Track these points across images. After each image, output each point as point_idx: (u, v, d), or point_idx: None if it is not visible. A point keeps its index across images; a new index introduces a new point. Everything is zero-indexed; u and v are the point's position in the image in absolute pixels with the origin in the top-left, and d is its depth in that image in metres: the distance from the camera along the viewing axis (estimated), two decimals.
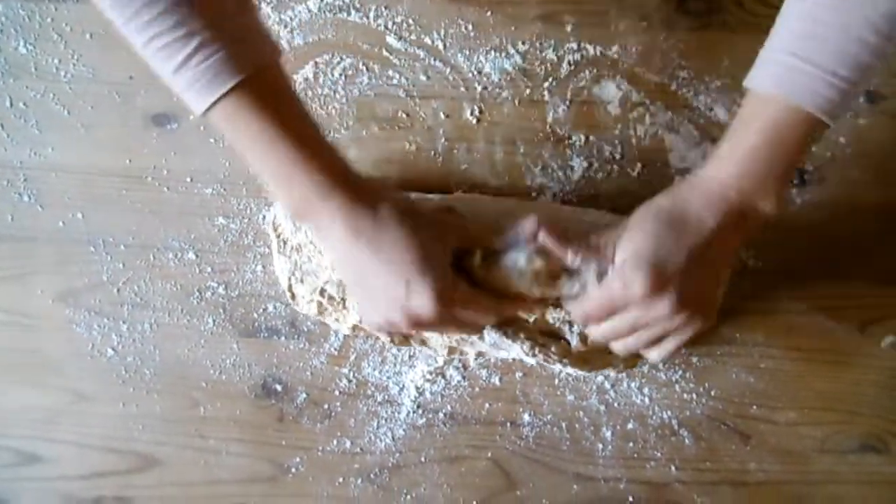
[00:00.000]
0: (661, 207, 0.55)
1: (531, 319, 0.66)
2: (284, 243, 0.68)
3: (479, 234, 0.60)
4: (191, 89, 0.49)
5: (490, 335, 0.66)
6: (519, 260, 0.59)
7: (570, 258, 0.58)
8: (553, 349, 0.66)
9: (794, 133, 0.51)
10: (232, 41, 0.48)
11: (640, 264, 0.53)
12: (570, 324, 0.66)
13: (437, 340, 0.69)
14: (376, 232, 0.54)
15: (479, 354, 0.71)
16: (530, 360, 0.69)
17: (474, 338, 0.67)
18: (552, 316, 0.65)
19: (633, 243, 0.55)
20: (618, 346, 0.59)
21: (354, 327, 0.69)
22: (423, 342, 0.69)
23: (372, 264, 0.54)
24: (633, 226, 0.56)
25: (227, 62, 0.48)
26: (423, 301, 0.54)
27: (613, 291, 0.55)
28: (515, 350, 0.67)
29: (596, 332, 0.59)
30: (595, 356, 0.68)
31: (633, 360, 0.69)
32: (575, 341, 0.66)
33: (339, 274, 0.57)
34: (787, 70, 0.50)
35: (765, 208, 0.54)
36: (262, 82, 0.50)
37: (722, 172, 0.54)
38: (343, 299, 0.67)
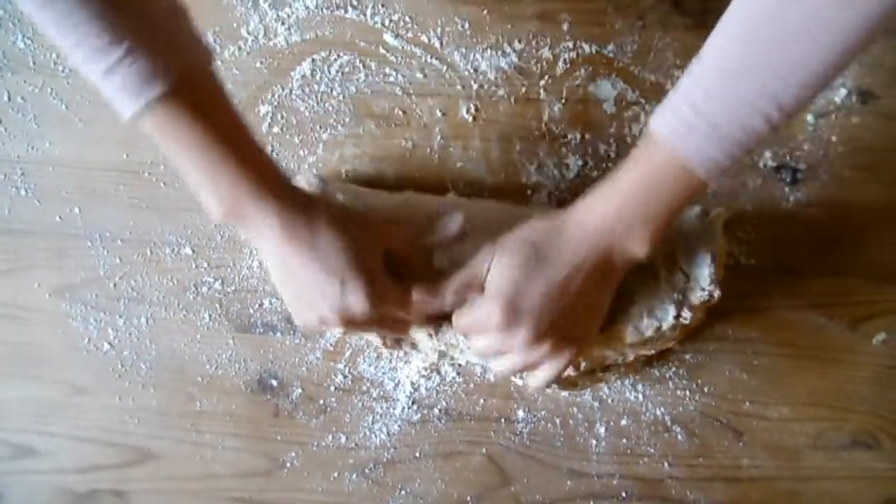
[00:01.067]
0: (531, 239, 0.56)
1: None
2: None
3: (410, 238, 0.62)
4: (118, 95, 0.48)
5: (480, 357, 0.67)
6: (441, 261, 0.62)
7: (448, 302, 0.59)
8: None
9: (675, 186, 0.51)
10: (160, 47, 0.47)
11: (497, 296, 0.55)
12: None
13: (427, 343, 0.69)
14: (311, 234, 0.55)
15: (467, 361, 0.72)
16: (519, 381, 0.70)
17: (464, 347, 0.67)
18: None
19: (496, 273, 0.56)
20: (494, 366, 0.61)
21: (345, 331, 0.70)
22: (414, 345, 0.69)
23: (306, 265, 0.55)
24: (501, 254, 0.57)
25: (154, 68, 0.47)
26: (357, 299, 0.56)
27: (476, 316, 0.57)
28: None
29: (472, 348, 0.61)
30: (583, 379, 0.69)
31: (629, 368, 0.70)
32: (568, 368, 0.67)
33: (272, 275, 0.58)
34: (683, 123, 0.48)
35: (634, 252, 0.54)
36: (191, 88, 0.49)
37: (597, 212, 0.54)
38: None
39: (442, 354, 0.70)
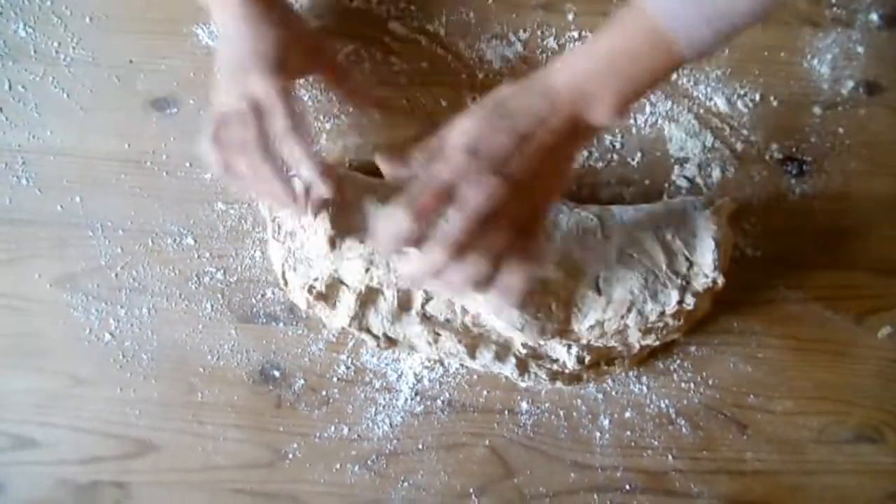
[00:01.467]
0: (499, 95, 0.54)
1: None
2: (279, 228, 0.68)
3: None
4: None
5: (481, 359, 0.67)
6: None
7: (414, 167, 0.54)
8: (543, 375, 0.68)
9: (652, 54, 0.50)
10: None
11: (459, 140, 0.52)
12: (569, 346, 0.66)
13: (425, 349, 0.69)
14: (247, 24, 0.59)
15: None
16: (522, 384, 0.70)
17: (464, 354, 0.67)
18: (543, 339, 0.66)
19: (460, 123, 0.53)
20: (450, 278, 0.52)
21: (343, 329, 0.69)
22: (412, 348, 0.69)
23: (233, 51, 0.60)
24: (469, 112, 0.54)
25: None
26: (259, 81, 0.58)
27: (435, 170, 0.52)
28: (507, 370, 0.68)
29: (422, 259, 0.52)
30: (587, 372, 0.69)
31: (634, 360, 0.70)
32: (571, 362, 0.66)
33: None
34: None
35: (596, 118, 0.52)
36: None
37: (569, 70, 0.53)
38: (333, 300, 0.68)
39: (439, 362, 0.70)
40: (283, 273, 0.69)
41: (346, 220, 0.64)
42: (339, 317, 0.68)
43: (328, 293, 0.67)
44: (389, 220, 0.51)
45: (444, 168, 0.51)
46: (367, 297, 0.67)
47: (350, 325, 0.67)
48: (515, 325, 0.62)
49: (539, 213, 0.55)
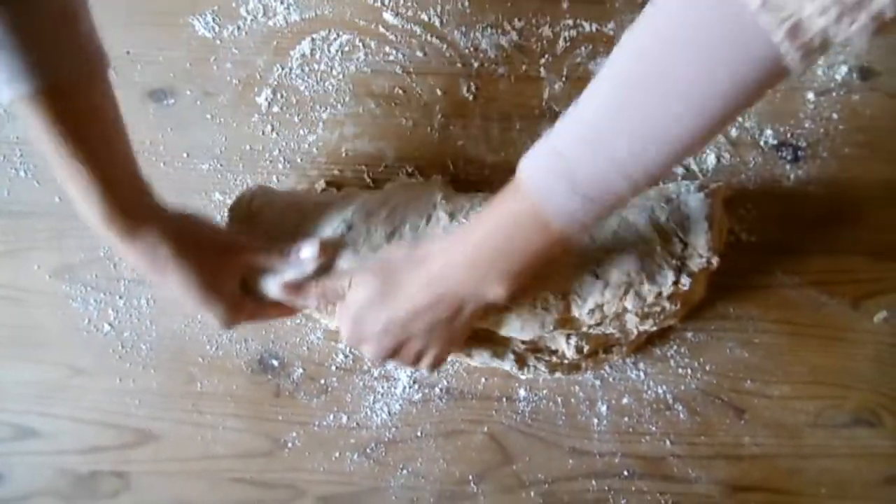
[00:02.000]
0: (388, 268, 0.56)
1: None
2: None
3: (261, 260, 0.61)
4: None
5: (478, 357, 0.68)
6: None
7: (311, 305, 0.62)
8: (542, 367, 0.68)
9: (530, 236, 0.49)
10: (34, 49, 0.46)
11: (345, 317, 0.58)
12: (568, 336, 0.66)
13: None
14: (162, 271, 0.55)
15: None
16: (522, 377, 0.70)
17: (462, 356, 0.68)
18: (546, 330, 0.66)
19: (351, 293, 0.58)
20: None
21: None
22: None
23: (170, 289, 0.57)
24: (362, 275, 0.58)
25: (23, 67, 0.46)
26: (215, 323, 0.59)
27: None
28: (506, 366, 0.68)
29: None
30: (586, 361, 0.69)
31: (631, 347, 0.70)
32: (570, 352, 0.67)
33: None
34: (546, 169, 0.46)
35: (488, 297, 0.53)
36: (60, 96, 0.48)
37: (448, 259, 0.53)
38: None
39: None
40: None
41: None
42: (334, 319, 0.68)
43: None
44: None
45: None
46: None
47: None
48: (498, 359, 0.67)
49: (438, 358, 0.59)
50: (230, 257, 0.59)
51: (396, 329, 0.56)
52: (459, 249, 0.52)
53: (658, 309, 0.62)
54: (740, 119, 0.71)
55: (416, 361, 0.59)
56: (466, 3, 0.72)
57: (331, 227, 0.63)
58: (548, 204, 0.46)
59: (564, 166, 0.45)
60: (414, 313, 0.55)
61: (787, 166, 0.71)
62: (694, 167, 0.71)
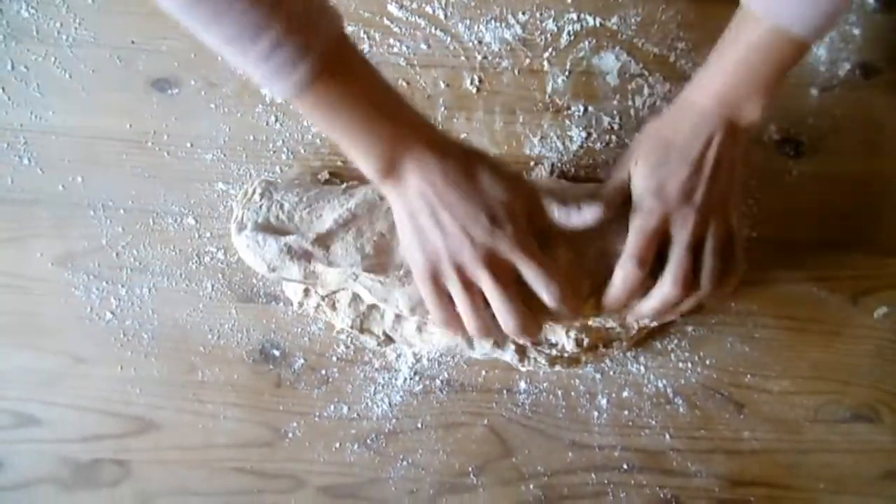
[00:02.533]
0: (659, 135, 0.60)
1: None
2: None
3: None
4: (273, 75, 0.49)
5: (480, 348, 0.68)
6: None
7: (606, 215, 0.60)
8: (542, 360, 0.69)
9: (780, 53, 0.54)
10: (304, 22, 0.49)
11: (648, 196, 0.59)
12: (568, 329, 0.67)
13: (421, 347, 0.71)
14: (470, 173, 0.56)
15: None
16: (522, 369, 0.70)
17: (463, 346, 0.69)
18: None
19: (640, 178, 0.59)
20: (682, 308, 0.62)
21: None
22: (410, 345, 0.70)
23: (460, 201, 0.55)
24: (638, 158, 0.60)
25: (305, 41, 0.48)
26: (505, 237, 0.56)
27: (638, 224, 0.59)
28: (507, 357, 0.69)
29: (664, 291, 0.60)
30: (586, 355, 0.70)
31: (631, 342, 0.70)
32: (570, 345, 0.67)
33: (409, 222, 0.56)
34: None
35: (748, 119, 0.58)
36: (339, 53, 0.51)
37: (710, 91, 0.58)
38: (333, 301, 0.69)
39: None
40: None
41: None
42: (339, 319, 0.69)
43: (330, 298, 0.69)
44: (624, 277, 0.59)
45: (644, 216, 0.58)
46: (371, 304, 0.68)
47: (351, 328, 0.69)
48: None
49: (731, 227, 0.60)
50: (523, 194, 0.59)
51: (698, 169, 0.58)
52: (716, 84, 0.57)
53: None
54: None
55: (725, 206, 0.60)
56: None
57: (334, 214, 0.63)
58: (786, 17, 0.52)
59: None
60: (705, 147, 0.58)
61: (790, 162, 0.71)
62: None
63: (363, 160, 0.55)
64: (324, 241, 0.63)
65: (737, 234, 0.61)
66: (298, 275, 0.64)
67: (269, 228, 0.64)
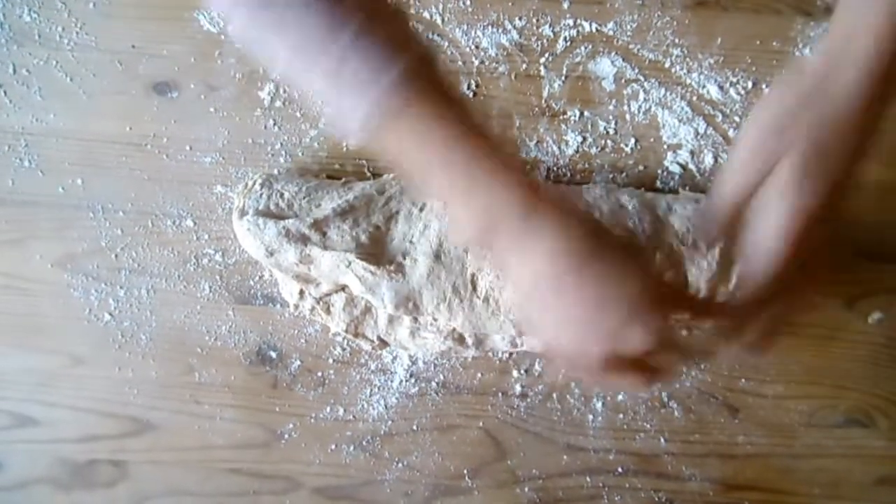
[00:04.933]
0: (800, 96, 0.50)
1: None
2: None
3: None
4: (349, 87, 0.42)
5: (468, 350, 0.69)
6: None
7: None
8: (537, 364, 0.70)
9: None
10: (388, 32, 0.42)
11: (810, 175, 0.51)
12: None
13: (416, 351, 0.72)
14: (595, 251, 0.47)
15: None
16: (516, 373, 0.71)
17: (457, 346, 0.69)
18: None
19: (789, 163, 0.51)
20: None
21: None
22: (404, 348, 0.71)
23: (586, 285, 0.47)
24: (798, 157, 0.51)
25: (387, 50, 0.42)
26: (640, 332, 0.47)
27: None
28: (501, 346, 0.69)
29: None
30: None
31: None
32: None
33: (528, 296, 0.49)
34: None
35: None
36: (426, 75, 0.43)
37: (868, 28, 0.47)
38: (327, 305, 0.70)
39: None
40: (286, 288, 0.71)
41: None
42: (334, 323, 0.70)
43: (325, 301, 0.70)
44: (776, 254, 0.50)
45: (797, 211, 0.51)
46: (365, 307, 0.69)
47: (345, 332, 0.69)
48: None
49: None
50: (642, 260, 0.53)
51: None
52: (872, 19, 0.47)
53: None
54: (738, 119, 0.72)
55: None
56: (468, 2, 0.73)
57: (332, 204, 0.65)
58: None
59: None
60: (863, 100, 0.50)
61: None
62: (692, 167, 0.72)
63: (452, 212, 0.46)
64: (320, 225, 0.65)
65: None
66: (295, 257, 0.65)
67: (269, 214, 0.66)
